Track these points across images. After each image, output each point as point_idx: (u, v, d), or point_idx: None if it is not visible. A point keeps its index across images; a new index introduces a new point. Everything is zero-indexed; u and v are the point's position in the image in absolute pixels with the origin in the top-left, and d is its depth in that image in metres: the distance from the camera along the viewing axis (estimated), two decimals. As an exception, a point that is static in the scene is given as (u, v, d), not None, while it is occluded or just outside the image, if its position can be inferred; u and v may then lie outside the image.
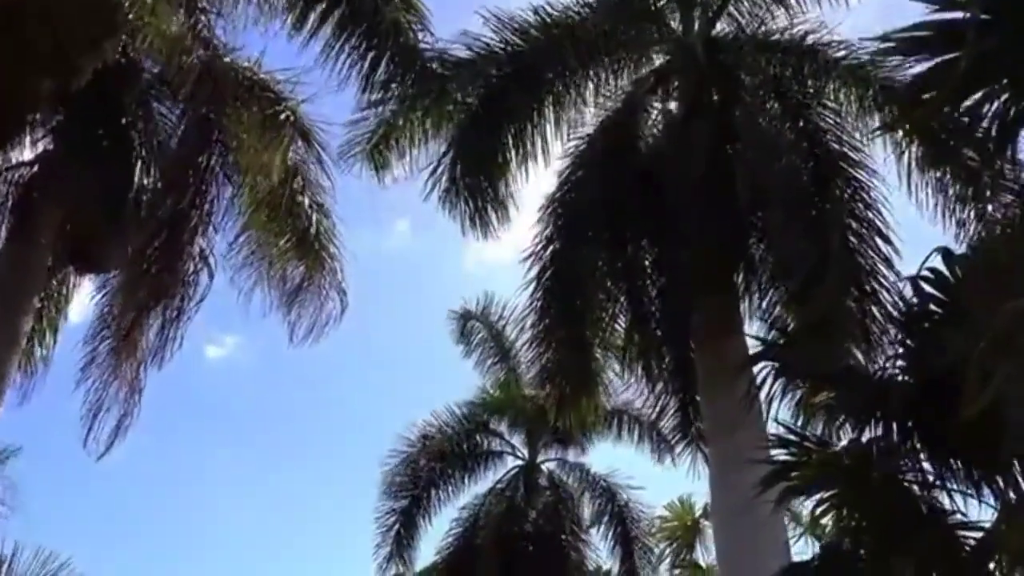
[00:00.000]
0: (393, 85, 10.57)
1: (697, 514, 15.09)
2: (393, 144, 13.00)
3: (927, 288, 5.84)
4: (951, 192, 11.07)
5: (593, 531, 19.60)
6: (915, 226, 11.17)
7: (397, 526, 19.41)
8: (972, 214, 10.71)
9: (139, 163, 10.15)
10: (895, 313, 6.13)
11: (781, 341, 9.27)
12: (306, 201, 11.86)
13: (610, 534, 19.72)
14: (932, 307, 5.83)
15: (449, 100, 11.07)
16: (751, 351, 10.02)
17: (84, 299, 12.38)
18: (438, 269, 38.49)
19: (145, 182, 10.33)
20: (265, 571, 37.77)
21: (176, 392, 36.90)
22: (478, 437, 20.85)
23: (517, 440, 20.98)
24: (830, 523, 11.21)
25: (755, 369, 9.60)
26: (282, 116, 10.33)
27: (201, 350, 36.40)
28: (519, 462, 20.69)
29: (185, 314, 10.05)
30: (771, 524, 9.23)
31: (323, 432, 40.88)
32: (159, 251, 9.44)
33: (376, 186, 12.08)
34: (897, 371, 6.01)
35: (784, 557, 9.15)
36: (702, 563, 15.22)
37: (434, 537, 19.98)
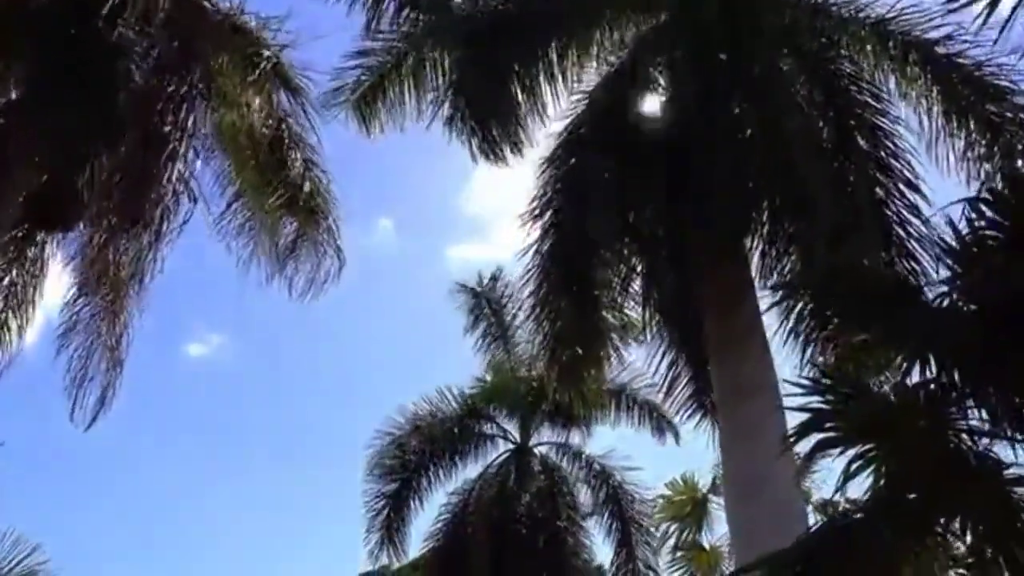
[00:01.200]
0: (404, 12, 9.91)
1: (703, 490, 14.27)
2: (381, 97, 12.53)
3: (987, 211, 5.21)
4: (974, 151, 10.53)
5: (589, 508, 18.99)
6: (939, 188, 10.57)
7: (386, 511, 18.76)
8: (995, 170, 10.15)
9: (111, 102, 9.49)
10: (943, 243, 5.44)
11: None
12: (295, 155, 11.33)
13: (606, 518, 19.12)
14: (991, 232, 5.20)
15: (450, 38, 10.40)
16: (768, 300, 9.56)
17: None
18: (421, 268, 38.56)
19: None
20: (250, 571, 37.16)
21: (156, 389, 36.91)
22: (469, 420, 20.19)
23: (509, 424, 20.35)
24: (842, 501, 10.78)
25: (776, 320, 9.11)
26: (264, 57, 9.71)
27: (182, 348, 37.13)
28: (511, 446, 20.06)
29: (165, 237, 9.53)
30: (788, 495, 8.62)
31: (305, 432, 40.47)
32: (131, 174, 8.84)
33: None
34: (950, 303, 5.35)
35: (803, 528, 8.53)
36: (706, 544, 14.51)
37: (426, 523, 19.37)
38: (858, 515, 5.62)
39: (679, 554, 14.15)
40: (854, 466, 5.99)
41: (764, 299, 9.96)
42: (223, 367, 37.44)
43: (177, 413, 37.50)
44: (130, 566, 34.98)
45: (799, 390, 5.94)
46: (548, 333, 11.28)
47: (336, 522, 39.28)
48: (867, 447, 5.89)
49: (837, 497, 9.30)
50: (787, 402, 6.60)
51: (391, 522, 18.74)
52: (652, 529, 18.76)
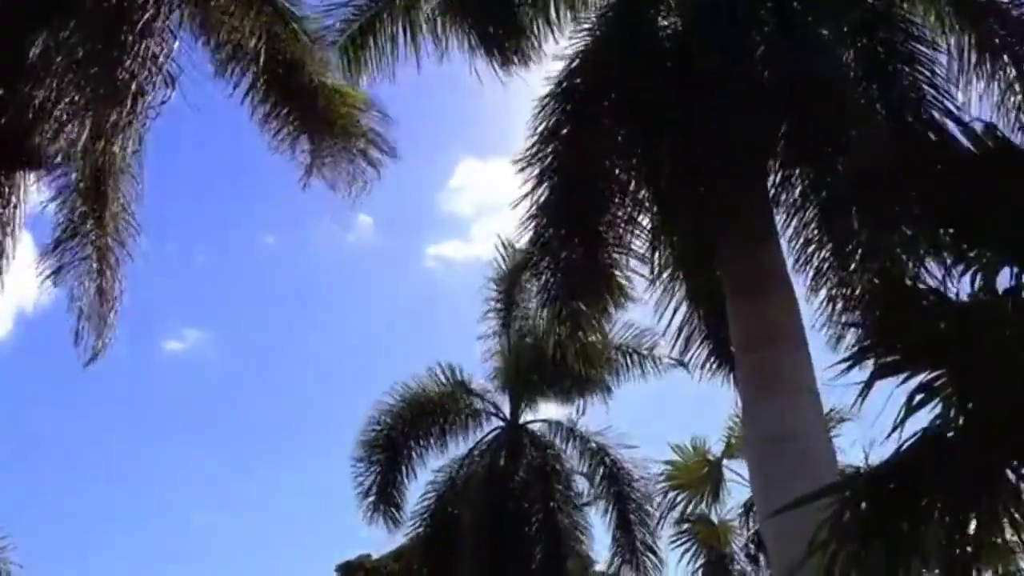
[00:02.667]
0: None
1: (716, 455, 13.15)
2: (371, 40, 11.75)
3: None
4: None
5: (585, 493, 18.10)
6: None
7: (376, 478, 17.86)
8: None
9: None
10: None
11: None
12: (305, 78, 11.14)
13: (603, 498, 18.19)
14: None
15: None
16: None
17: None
18: (401, 265, 38.19)
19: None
20: (227, 566, 36.54)
21: (133, 385, 36.36)
22: (459, 395, 19.22)
23: (500, 399, 19.38)
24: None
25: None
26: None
27: (159, 344, 36.18)
28: (500, 423, 19.10)
29: (139, 119, 8.94)
30: (819, 443, 7.75)
31: (287, 428, 40.18)
32: (98, 52, 7.97)
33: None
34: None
35: (835, 478, 7.66)
36: (714, 518, 13.45)
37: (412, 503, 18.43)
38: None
39: (685, 526, 13.08)
40: (917, 398, 5.17)
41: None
42: (201, 363, 37.23)
43: (154, 409, 37.63)
44: (104, 561, 34.98)
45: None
46: (551, 281, 10.34)
47: (314, 517, 38.21)
48: (936, 373, 5.04)
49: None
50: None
51: (383, 489, 17.79)
52: (651, 510, 17.87)
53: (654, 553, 17.72)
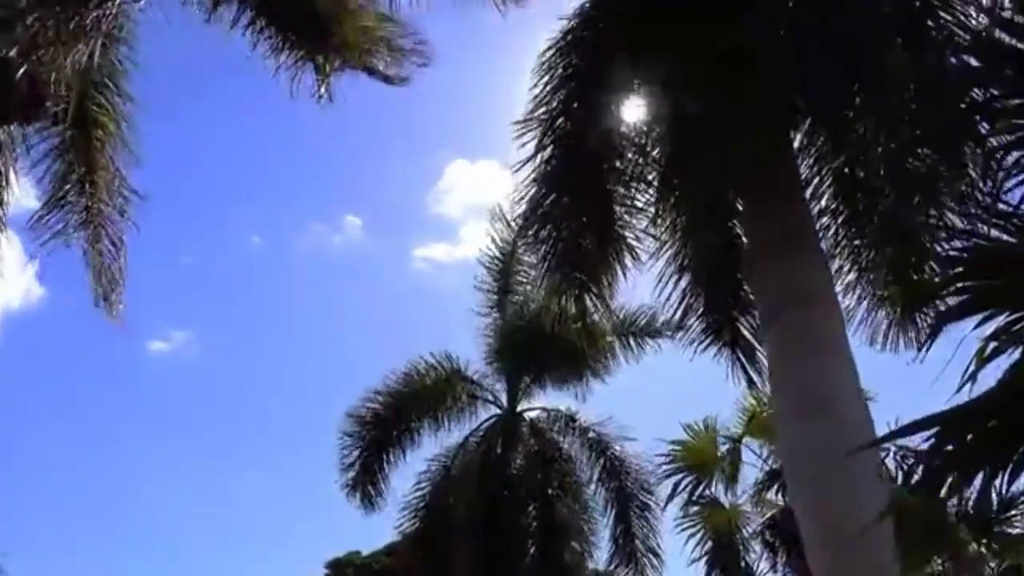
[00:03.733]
0: None
1: (731, 432, 12.37)
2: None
3: None
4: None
5: (586, 483, 17.40)
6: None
7: (362, 458, 17.12)
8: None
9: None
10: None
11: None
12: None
13: (602, 491, 17.47)
14: None
15: None
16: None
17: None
18: (388, 266, 38.73)
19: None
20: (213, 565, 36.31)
21: (119, 386, 36.05)
22: (454, 381, 18.45)
23: (496, 387, 18.62)
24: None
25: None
26: None
27: (145, 345, 35.81)
28: (497, 411, 18.36)
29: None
30: (856, 409, 7.06)
31: (273, 428, 40.96)
32: None
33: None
34: None
35: (876, 462, 7.01)
36: (725, 502, 12.63)
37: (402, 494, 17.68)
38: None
39: (693, 510, 12.29)
40: (990, 347, 4.51)
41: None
42: (186, 363, 37.37)
43: (140, 409, 38.24)
44: (89, 560, 34.80)
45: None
46: (550, 251, 9.64)
47: (303, 515, 38.24)
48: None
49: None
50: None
51: (367, 467, 17.03)
52: (652, 505, 17.18)
53: (655, 555, 17.02)
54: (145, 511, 35.67)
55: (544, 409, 18.44)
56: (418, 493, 17.57)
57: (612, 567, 17.15)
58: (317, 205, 40.35)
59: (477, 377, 18.53)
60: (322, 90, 11.21)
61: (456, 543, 17.05)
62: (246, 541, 37.95)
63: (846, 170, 8.12)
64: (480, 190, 33.17)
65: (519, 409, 18.44)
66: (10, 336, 33.07)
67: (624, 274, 9.87)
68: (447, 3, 10.92)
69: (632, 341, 17.14)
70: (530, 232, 9.97)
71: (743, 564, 11.70)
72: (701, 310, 10.21)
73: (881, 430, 6.99)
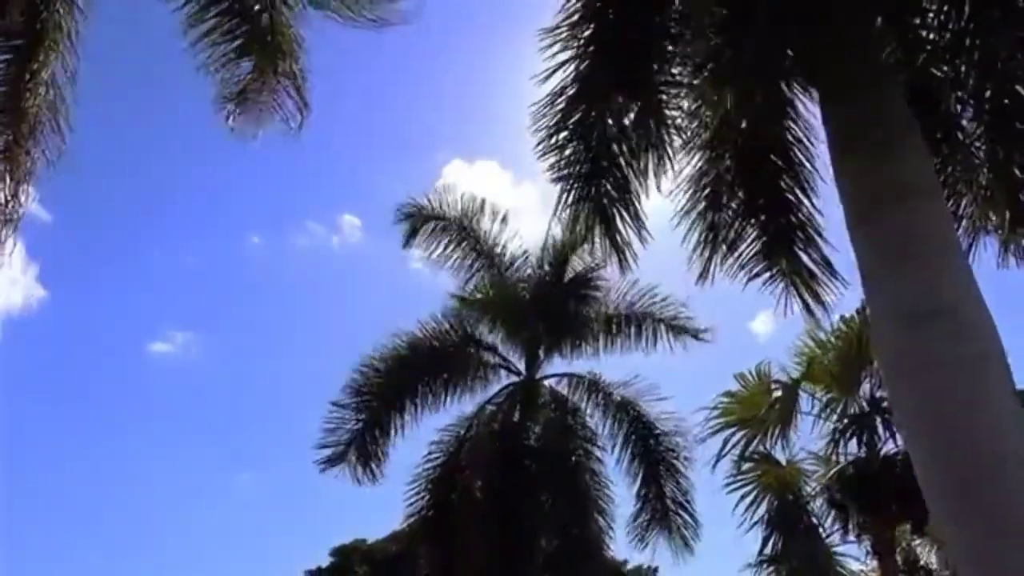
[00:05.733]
0: None
1: (790, 377, 10.82)
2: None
3: None
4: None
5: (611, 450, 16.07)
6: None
7: (359, 431, 15.75)
8: None
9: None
10: None
11: None
12: None
13: (629, 456, 16.12)
14: None
15: None
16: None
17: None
18: (387, 264, 38.50)
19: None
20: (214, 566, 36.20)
21: (121, 387, 35.71)
22: (467, 346, 17.04)
23: (512, 355, 17.22)
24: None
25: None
26: None
27: (146, 347, 36.95)
28: (514, 378, 16.97)
29: None
30: (978, 323, 5.71)
31: (273, 427, 40.09)
32: None
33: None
34: None
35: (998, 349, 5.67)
36: (781, 458, 11.15)
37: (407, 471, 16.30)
38: None
39: (746, 467, 10.78)
40: None
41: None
42: (188, 365, 37.44)
43: (143, 410, 37.67)
44: (92, 563, 34.27)
45: None
46: (575, 158, 8.35)
47: (304, 516, 37.78)
48: None
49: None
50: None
51: (361, 443, 15.65)
52: (682, 467, 15.88)
53: (686, 511, 15.74)
54: (147, 512, 35.59)
55: (565, 375, 17.08)
56: (428, 465, 16.21)
57: (639, 533, 15.78)
58: (315, 205, 40.05)
59: (492, 343, 17.18)
60: None
61: (470, 516, 15.79)
62: (248, 540, 38.01)
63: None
64: (478, 190, 32.46)
65: (538, 376, 17.09)
66: (12, 338, 33.17)
67: (659, 187, 8.62)
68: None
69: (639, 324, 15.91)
70: (557, 141, 8.71)
71: (806, 526, 10.32)
72: (752, 230, 8.90)
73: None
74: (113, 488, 35.51)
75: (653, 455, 15.94)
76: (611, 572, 16.75)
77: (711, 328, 16.04)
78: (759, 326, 30.81)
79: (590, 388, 16.83)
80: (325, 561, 28.94)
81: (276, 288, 39.21)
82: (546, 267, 17.03)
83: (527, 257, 17.09)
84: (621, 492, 16.10)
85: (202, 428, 38.43)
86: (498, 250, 16.97)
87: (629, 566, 23.68)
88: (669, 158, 8.24)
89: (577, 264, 16.84)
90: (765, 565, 10.13)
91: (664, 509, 15.59)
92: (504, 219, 16.84)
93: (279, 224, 39.33)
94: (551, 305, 16.89)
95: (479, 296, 17.19)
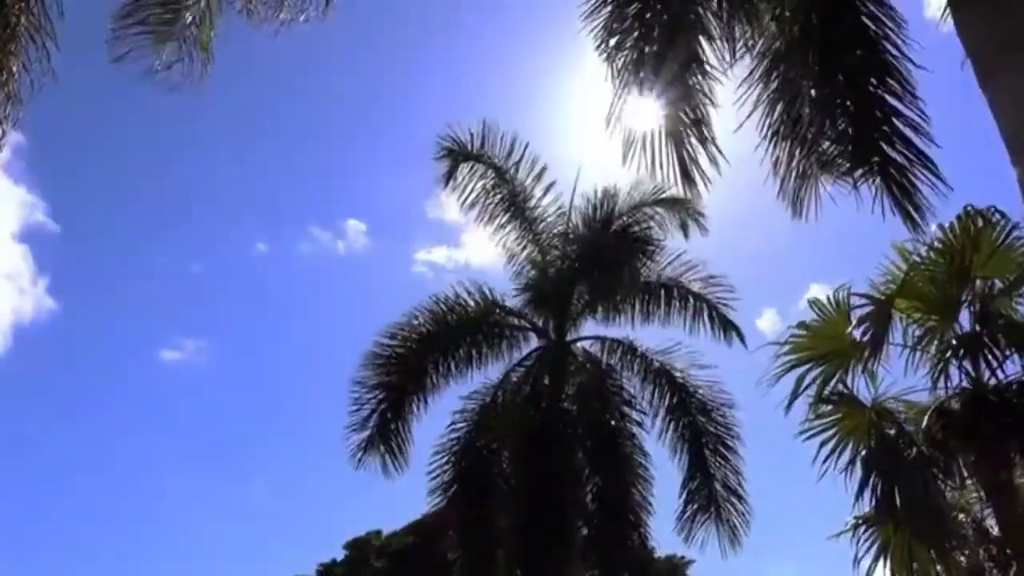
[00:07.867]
0: None
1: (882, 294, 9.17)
2: None
3: None
4: None
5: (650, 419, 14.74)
6: None
7: (381, 406, 14.47)
8: None
9: None
10: None
11: None
12: None
13: (671, 430, 14.75)
14: None
15: None
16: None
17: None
18: (391, 268, 39.26)
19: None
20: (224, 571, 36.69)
21: (132, 395, 37.38)
22: (493, 314, 15.67)
23: (539, 319, 15.83)
24: None
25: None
26: None
27: (157, 355, 37.63)
28: (544, 341, 15.59)
29: None
30: None
31: (282, 431, 41.28)
32: None
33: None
34: None
35: None
36: (864, 397, 9.48)
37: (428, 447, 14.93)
38: None
39: (823, 408, 9.18)
40: None
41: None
42: (198, 372, 38.35)
43: (155, 419, 38.92)
44: (104, 568, 35.94)
45: None
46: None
47: (307, 517, 38.18)
48: None
49: None
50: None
51: (384, 423, 14.40)
52: (734, 445, 14.54)
53: (740, 499, 14.38)
54: (158, 517, 36.53)
55: (598, 337, 15.72)
56: (453, 435, 14.86)
57: (684, 518, 14.39)
58: (320, 210, 40.15)
59: (519, 308, 15.81)
60: None
61: (498, 490, 14.46)
62: (260, 540, 38.03)
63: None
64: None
65: (569, 339, 15.73)
66: (24, 349, 34.65)
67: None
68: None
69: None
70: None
71: (913, 457, 8.86)
72: (841, 131, 7.61)
73: None
74: (124, 495, 36.91)
75: (698, 432, 14.59)
76: (647, 560, 15.28)
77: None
78: (764, 324, 30.07)
79: (627, 352, 15.50)
80: (339, 555, 27.93)
81: (283, 293, 40.00)
82: (593, 218, 15.68)
83: (562, 212, 15.83)
84: (662, 469, 14.78)
85: (214, 431, 39.30)
86: (532, 203, 15.76)
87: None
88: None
89: (626, 219, 15.60)
90: (877, 509, 8.74)
91: (711, 496, 14.26)
92: (543, 170, 15.63)
93: (284, 230, 39.71)
94: (592, 262, 15.62)
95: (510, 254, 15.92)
